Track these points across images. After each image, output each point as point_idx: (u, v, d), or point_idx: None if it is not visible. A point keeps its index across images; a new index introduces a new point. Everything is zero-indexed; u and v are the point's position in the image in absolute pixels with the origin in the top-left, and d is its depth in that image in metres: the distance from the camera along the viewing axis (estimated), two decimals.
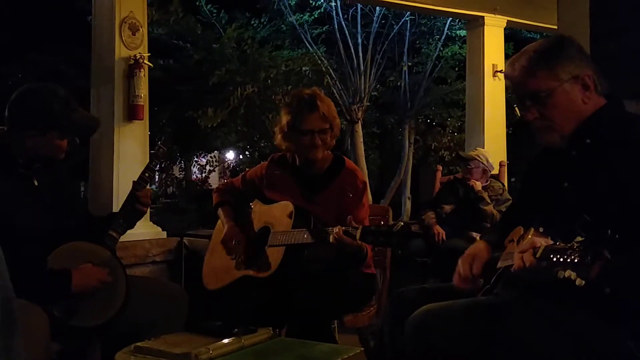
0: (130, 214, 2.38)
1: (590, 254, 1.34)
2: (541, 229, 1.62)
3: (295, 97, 2.65)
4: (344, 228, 2.29)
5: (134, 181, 2.40)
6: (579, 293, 1.42)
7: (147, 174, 2.41)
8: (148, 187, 2.43)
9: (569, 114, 1.74)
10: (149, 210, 4.05)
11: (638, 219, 1.53)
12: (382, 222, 2.36)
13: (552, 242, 1.46)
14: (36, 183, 2.30)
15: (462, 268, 1.90)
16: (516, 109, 1.84)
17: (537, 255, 1.45)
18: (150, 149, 4.35)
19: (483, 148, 5.36)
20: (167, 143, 8.86)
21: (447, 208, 4.62)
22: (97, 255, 2.26)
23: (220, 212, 2.81)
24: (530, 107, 1.77)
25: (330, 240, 2.29)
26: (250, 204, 2.81)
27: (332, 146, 2.67)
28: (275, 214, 2.62)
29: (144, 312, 2.29)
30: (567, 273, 1.35)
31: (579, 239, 1.38)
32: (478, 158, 4.64)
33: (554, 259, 1.38)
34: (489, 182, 4.66)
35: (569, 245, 1.38)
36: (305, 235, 2.42)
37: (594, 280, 1.37)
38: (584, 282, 1.34)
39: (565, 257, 1.36)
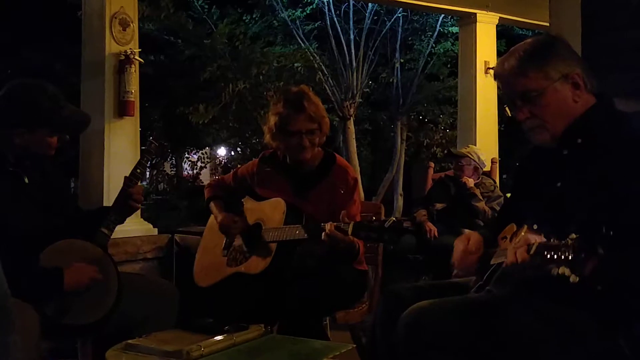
0: (123, 211, 2.37)
1: (584, 251, 1.34)
2: (535, 227, 1.63)
3: (283, 96, 2.63)
4: (335, 224, 2.29)
5: (125, 177, 2.38)
6: (572, 291, 1.42)
7: (138, 170, 2.39)
8: (139, 183, 2.41)
9: (560, 113, 1.74)
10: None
11: (630, 217, 1.53)
12: (374, 218, 2.36)
13: (545, 240, 1.46)
14: (26, 181, 2.28)
15: (457, 247, 1.90)
16: (507, 108, 1.84)
17: (531, 252, 1.45)
18: (141, 146, 4.33)
19: (475, 145, 5.37)
20: (158, 139, 8.82)
21: (439, 206, 4.63)
22: (89, 253, 2.24)
23: (212, 205, 2.80)
24: (521, 107, 1.76)
25: (323, 237, 2.28)
26: (242, 200, 2.80)
27: (322, 143, 2.67)
28: (266, 211, 2.62)
29: (135, 309, 2.28)
30: (562, 270, 1.35)
31: (573, 236, 1.38)
32: (469, 155, 4.65)
33: (548, 256, 1.39)
34: (480, 179, 4.67)
35: (563, 242, 1.38)
36: (298, 232, 2.42)
37: (588, 276, 1.37)
38: (578, 279, 1.34)
39: (559, 254, 1.37)
